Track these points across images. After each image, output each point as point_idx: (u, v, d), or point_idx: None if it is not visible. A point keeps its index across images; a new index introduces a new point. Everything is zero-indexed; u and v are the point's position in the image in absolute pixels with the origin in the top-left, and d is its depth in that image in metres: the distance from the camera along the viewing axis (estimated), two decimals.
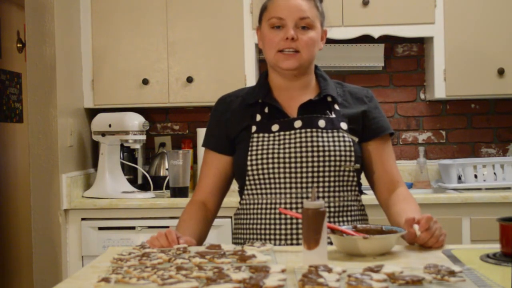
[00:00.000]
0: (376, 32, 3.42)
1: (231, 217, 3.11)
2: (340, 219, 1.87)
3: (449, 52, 3.38)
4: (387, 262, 1.47)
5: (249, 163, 1.87)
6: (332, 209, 1.86)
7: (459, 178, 3.37)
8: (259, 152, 1.87)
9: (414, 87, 3.78)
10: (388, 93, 3.77)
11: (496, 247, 1.56)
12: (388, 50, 3.74)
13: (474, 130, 3.75)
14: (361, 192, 1.96)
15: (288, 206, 1.85)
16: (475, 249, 1.63)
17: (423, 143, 3.76)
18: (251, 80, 3.43)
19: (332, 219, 1.86)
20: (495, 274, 1.35)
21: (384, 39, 3.57)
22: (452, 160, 3.49)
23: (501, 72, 3.35)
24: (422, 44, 3.74)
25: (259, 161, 1.86)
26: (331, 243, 1.61)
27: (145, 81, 3.46)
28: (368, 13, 3.39)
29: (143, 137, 3.40)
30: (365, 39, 3.50)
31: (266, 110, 1.93)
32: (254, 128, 1.91)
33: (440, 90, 3.40)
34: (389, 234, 1.62)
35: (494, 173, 3.30)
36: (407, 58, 3.77)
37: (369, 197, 2.05)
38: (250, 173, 1.88)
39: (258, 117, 1.92)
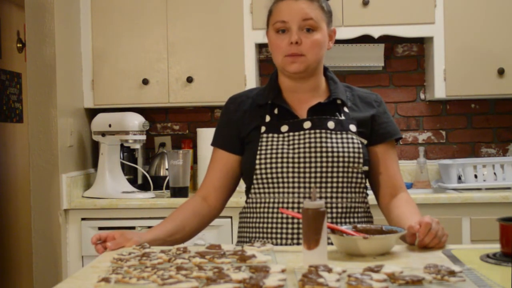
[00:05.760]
0: (376, 32, 3.42)
1: (231, 217, 3.12)
2: (347, 220, 1.87)
3: (449, 52, 3.38)
4: (387, 262, 1.47)
5: (257, 162, 1.88)
6: (339, 210, 1.87)
7: (459, 178, 3.37)
8: (268, 152, 1.88)
9: (414, 87, 3.78)
10: (388, 93, 3.77)
11: (496, 247, 1.56)
12: (388, 50, 3.74)
13: (474, 130, 3.75)
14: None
15: (295, 206, 1.85)
16: (475, 249, 1.63)
17: (423, 143, 3.76)
18: (251, 80, 3.43)
19: (338, 220, 1.86)
20: (495, 274, 1.35)
21: (384, 39, 3.57)
22: (452, 160, 3.49)
23: (501, 72, 3.35)
24: (422, 44, 3.74)
25: (268, 161, 1.87)
26: (331, 243, 1.61)
27: (145, 81, 3.46)
28: (368, 13, 3.39)
29: (143, 137, 3.40)
30: (365, 39, 3.50)
31: (276, 111, 1.94)
32: (263, 129, 1.92)
33: (440, 90, 3.40)
34: (389, 234, 1.62)
35: (494, 173, 3.30)
36: (407, 58, 3.77)
37: (373, 197, 2.04)
38: (258, 172, 1.88)
39: (268, 118, 1.93)
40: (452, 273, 1.30)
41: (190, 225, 1.93)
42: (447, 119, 3.76)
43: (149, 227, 3.17)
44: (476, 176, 3.29)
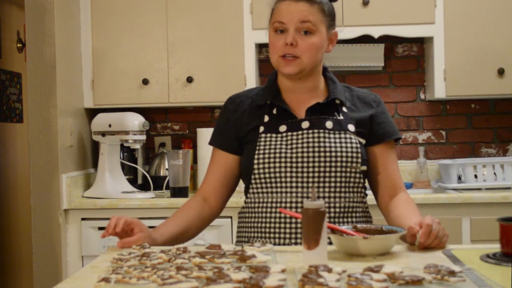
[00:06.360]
0: (376, 32, 3.42)
1: (231, 217, 3.12)
2: (345, 220, 1.87)
3: (449, 52, 3.38)
4: (387, 262, 1.47)
5: (255, 161, 1.88)
6: (337, 210, 1.87)
7: (459, 178, 3.37)
8: (266, 152, 1.88)
9: (414, 87, 3.78)
10: (388, 93, 3.77)
11: (496, 247, 1.56)
12: (388, 50, 3.74)
13: (474, 130, 3.75)
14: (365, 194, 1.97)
15: (293, 205, 1.85)
16: (475, 249, 1.63)
17: (423, 143, 3.76)
18: (251, 80, 3.43)
19: (336, 220, 1.86)
20: (495, 274, 1.35)
21: (384, 39, 3.57)
22: (452, 160, 3.49)
23: (501, 72, 3.35)
24: (422, 44, 3.74)
25: (266, 161, 1.87)
26: (331, 243, 1.61)
27: (145, 81, 3.46)
28: (368, 13, 3.39)
29: (143, 137, 3.39)
30: (365, 39, 3.50)
31: (275, 111, 1.94)
32: (262, 129, 1.92)
33: (440, 90, 3.40)
34: (389, 234, 1.62)
35: (494, 173, 3.30)
36: (407, 58, 3.78)
37: (372, 197, 2.04)
38: (256, 171, 1.89)
39: (266, 118, 1.93)
40: (452, 273, 1.30)
41: (193, 228, 1.94)
42: (447, 119, 3.76)
43: (149, 227, 3.17)
44: (476, 176, 3.29)
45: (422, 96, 3.76)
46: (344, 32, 3.35)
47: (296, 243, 1.84)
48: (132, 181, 3.58)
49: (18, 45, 4.20)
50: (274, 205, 1.87)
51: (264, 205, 1.89)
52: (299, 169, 1.86)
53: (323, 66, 2.00)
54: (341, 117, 1.92)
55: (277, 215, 1.87)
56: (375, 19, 3.40)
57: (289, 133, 1.90)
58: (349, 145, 1.88)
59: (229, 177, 2.00)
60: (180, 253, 1.59)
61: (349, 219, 1.88)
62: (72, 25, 3.40)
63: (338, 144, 1.88)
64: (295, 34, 1.86)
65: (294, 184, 1.86)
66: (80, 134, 3.46)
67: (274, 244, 1.83)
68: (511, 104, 3.73)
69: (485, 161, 3.32)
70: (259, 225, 1.89)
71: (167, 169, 3.55)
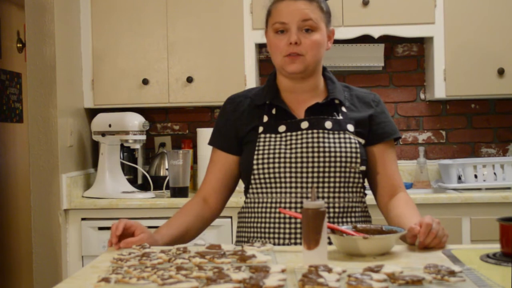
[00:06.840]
0: (376, 32, 3.42)
1: (231, 217, 3.12)
2: (344, 219, 1.88)
3: (449, 52, 3.39)
4: (387, 262, 1.47)
5: (255, 162, 1.88)
6: (336, 210, 1.87)
7: (459, 178, 3.38)
8: (266, 152, 1.88)
9: (414, 87, 3.78)
10: (388, 93, 3.77)
11: (496, 247, 1.56)
12: (388, 50, 3.74)
13: (474, 130, 3.75)
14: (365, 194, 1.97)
15: (293, 205, 1.85)
16: (475, 249, 1.63)
17: (423, 143, 3.76)
18: (251, 80, 3.43)
19: (335, 220, 1.86)
20: (495, 274, 1.35)
21: (384, 39, 3.57)
22: (452, 160, 3.49)
23: (501, 72, 3.35)
24: (422, 44, 3.74)
25: (265, 161, 1.87)
26: (331, 243, 1.61)
27: (145, 81, 3.46)
28: (368, 13, 3.39)
29: (143, 137, 3.40)
30: (365, 39, 3.50)
31: (274, 111, 1.94)
32: (261, 129, 1.92)
33: (440, 90, 3.40)
34: (389, 234, 1.62)
35: (494, 173, 3.30)
36: (407, 58, 3.78)
37: (372, 197, 2.04)
38: (256, 172, 1.89)
39: (266, 118, 1.93)
40: (452, 273, 1.30)
41: (194, 229, 1.94)
42: (447, 119, 3.76)
43: (149, 227, 3.16)
44: (476, 176, 3.29)
45: (422, 96, 3.76)
46: (344, 32, 3.36)
47: (296, 243, 1.84)
48: (132, 181, 3.58)
49: (18, 45, 4.20)
50: (274, 205, 1.88)
51: (264, 205, 1.89)
52: (299, 169, 1.86)
53: (322, 66, 2.00)
54: (340, 117, 1.92)
55: (277, 215, 1.87)
56: (375, 19, 3.40)
57: (289, 133, 1.90)
58: (348, 145, 1.88)
59: (229, 177, 2.00)
60: (180, 253, 1.59)
61: (348, 219, 1.89)
62: (72, 25, 3.40)
63: (337, 144, 1.88)
64: (297, 33, 1.86)
65: (293, 184, 1.86)
66: (80, 134, 3.46)
67: (274, 244, 1.83)
68: (511, 104, 3.73)
69: (485, 161, 3.32)
70: (259, 225, 1.89)
71: (167, 169, 3.55)
